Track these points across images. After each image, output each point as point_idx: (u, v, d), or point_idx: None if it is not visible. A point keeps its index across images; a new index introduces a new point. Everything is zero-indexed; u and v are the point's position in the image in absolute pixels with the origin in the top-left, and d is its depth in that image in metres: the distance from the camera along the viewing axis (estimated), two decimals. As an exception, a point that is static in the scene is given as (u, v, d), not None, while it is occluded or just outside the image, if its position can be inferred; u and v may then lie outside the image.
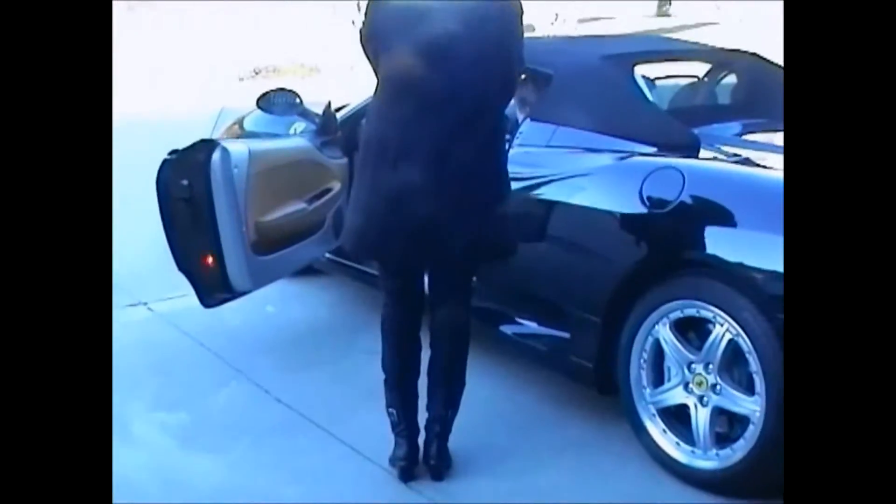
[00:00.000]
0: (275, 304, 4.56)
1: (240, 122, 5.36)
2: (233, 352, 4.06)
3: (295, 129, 4.52)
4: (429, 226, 2.80)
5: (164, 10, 16.27)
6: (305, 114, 4.24)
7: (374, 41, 2.83)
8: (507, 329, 3.66)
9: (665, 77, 4.21)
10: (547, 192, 3.43)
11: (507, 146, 2.96)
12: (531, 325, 3.60)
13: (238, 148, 3.57)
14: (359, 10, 13.97)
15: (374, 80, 2.90)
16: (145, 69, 11.98)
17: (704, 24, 17.71)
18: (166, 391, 3.72)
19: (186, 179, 3.48)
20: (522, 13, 2.81)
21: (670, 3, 21.83)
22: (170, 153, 3.53)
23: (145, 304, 4.63)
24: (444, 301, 3.02)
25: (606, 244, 3.29)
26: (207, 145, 3.53)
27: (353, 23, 14.10)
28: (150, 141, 7.93)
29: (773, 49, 4.74)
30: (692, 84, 4.30)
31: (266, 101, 4.17)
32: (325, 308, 4.65)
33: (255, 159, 3.62)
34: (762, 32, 14.29)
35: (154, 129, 8.60)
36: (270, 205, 3.76)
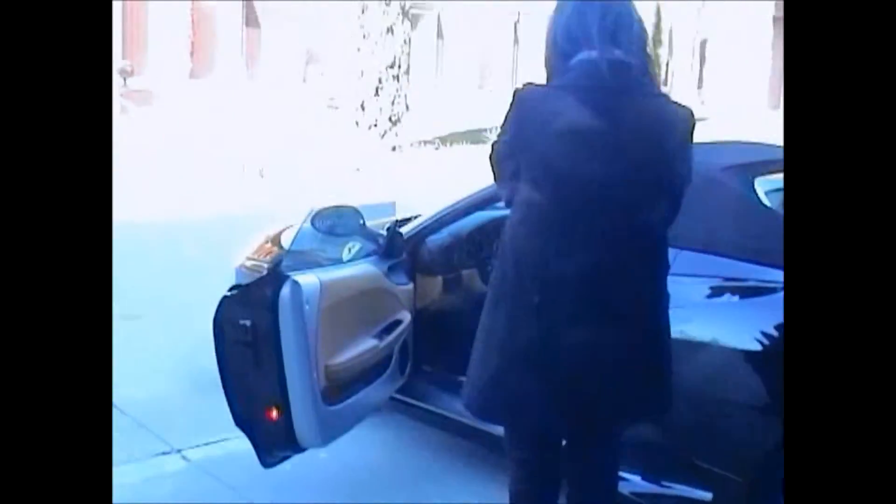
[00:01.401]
0: (326, 448, 3.98)
1: (275, 240, 4.85)
2: (290, 513, 3.49)
3: (349, 250, 4.01)
4: (577, 382, 2.28)
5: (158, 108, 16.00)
6: (368, 234, 3.74)
7: (515, 157, 2.34)
8: (622, 487, 3.10)
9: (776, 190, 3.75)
10: (676, 327, 2.92)
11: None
12: (650, 483, 3.07)
13: (309, 280, 3.06)
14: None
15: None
16: (146, 171, 11.47)
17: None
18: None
19: (249, 320, 2.95)
20: (695, 123, 2.34)
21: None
22: (230, 289, 3.01)
23: (179, 451, 4.02)
24: (587, 476, 2.48)
25: (757, 390, 2.78)
26: (274, 279, 3.02)
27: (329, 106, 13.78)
28: (171, 248, 7.51)
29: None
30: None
31: (323, 220, 3.66)
32: (383, 452, 4.06)
33: (326, 292, 3.11)
34: (749, 124, 14.15)
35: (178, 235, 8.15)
36: (340, 344, 3.24)
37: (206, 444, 4.05)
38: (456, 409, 3.83)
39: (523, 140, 2.31)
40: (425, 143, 14.39)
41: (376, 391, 3.51)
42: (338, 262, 3.81)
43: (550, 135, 2.24)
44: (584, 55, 2.27)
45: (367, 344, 3.38)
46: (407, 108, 13.90)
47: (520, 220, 2.34)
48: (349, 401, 3.28)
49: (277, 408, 3.05)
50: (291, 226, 4.91)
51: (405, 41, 13.57)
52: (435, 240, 3.98)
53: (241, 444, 3.62)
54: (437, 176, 12.32)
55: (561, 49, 2.32)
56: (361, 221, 3.64)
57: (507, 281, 2.34)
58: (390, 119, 13.62)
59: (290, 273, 3.05)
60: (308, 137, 13.64)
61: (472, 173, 12.99)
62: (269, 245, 4.85)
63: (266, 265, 4.60)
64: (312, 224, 3.71)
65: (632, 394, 2.33)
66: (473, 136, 14.93)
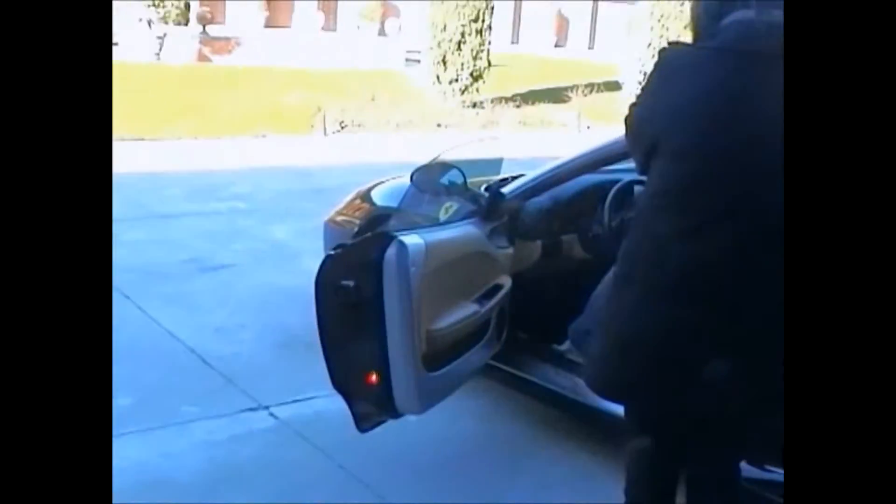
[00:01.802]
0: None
1: (365, 196, 4.73)
2: (383, 480, 3.39)
3: (447, 210, 3.86)
4: (710, 370, 2.12)
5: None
6: (469, 195, 3.58)
7: (655, 123, 2.16)
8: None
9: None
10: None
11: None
12: (756, 468, 2.91)
13: (414, 241, 2.92)
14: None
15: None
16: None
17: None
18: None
19: (353, 280, 2.84)
20: None
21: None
22: (334, 248, 2.90)
23: (266, 408, 3.95)
24: (709, 467, 2.34)
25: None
26: (380, 238, 2.89)
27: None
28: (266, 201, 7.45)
29: None
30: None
31: (425, 178, 3.53)
32: (474, 421, 3.94)
33: (430, 254, 2.97)
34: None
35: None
36: (442, 308, 3.11)
37: (294, 401, 3.98)
38: (550, 377, 3.71)
39: (666, 105, 2.12)
40: (505, 100, 14.13)
41: (474, 358, 3.38)
42: (434, 222, 3.67)
43: (696, 101, 2.06)
44: (738, 15, 2.07)
45: (469, 309, 3.25)
46: (489, 63, 13.64)
47: (656, 193, 2.16)
48: (448, 367, 3.16)
49: (377, 372, 2.94)
50: (382, 181, 4.81)
51: (490, -5, 13.30)
52: (536, 202, 3.81)
53: (329, 402, 3.56)
54: (520, 134, 12.11)
55: (712, 7, 2.12)
56: (463, 180, 3.49)
57: (640, 255, 2.17)
58: (472, 75, 13.36)
59: (395, 233, 2.92)
60: (387, 90, 13.47)
61: (555, 133, 12.69)
62: (359, 201, 4.74)
63: (357, 221, 4.50)
64: (412, 181, 3.58)
65: (768, 386, 2.16)
66: (553, 95, 14.65)
